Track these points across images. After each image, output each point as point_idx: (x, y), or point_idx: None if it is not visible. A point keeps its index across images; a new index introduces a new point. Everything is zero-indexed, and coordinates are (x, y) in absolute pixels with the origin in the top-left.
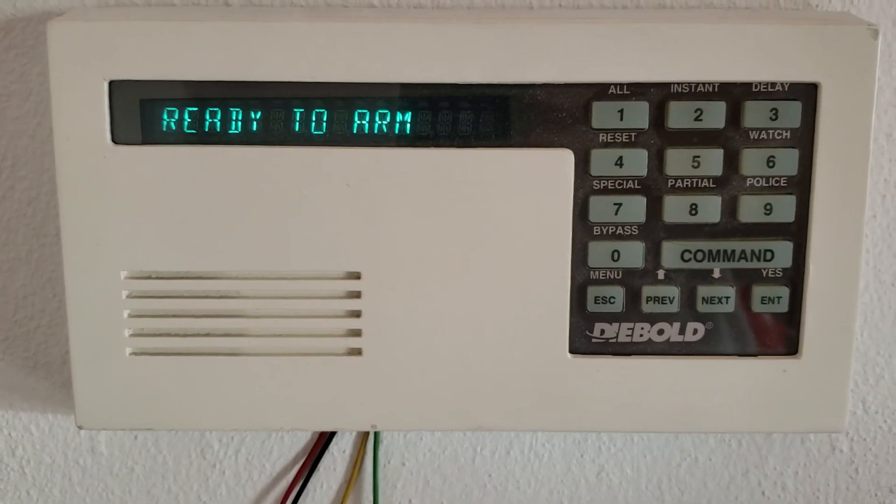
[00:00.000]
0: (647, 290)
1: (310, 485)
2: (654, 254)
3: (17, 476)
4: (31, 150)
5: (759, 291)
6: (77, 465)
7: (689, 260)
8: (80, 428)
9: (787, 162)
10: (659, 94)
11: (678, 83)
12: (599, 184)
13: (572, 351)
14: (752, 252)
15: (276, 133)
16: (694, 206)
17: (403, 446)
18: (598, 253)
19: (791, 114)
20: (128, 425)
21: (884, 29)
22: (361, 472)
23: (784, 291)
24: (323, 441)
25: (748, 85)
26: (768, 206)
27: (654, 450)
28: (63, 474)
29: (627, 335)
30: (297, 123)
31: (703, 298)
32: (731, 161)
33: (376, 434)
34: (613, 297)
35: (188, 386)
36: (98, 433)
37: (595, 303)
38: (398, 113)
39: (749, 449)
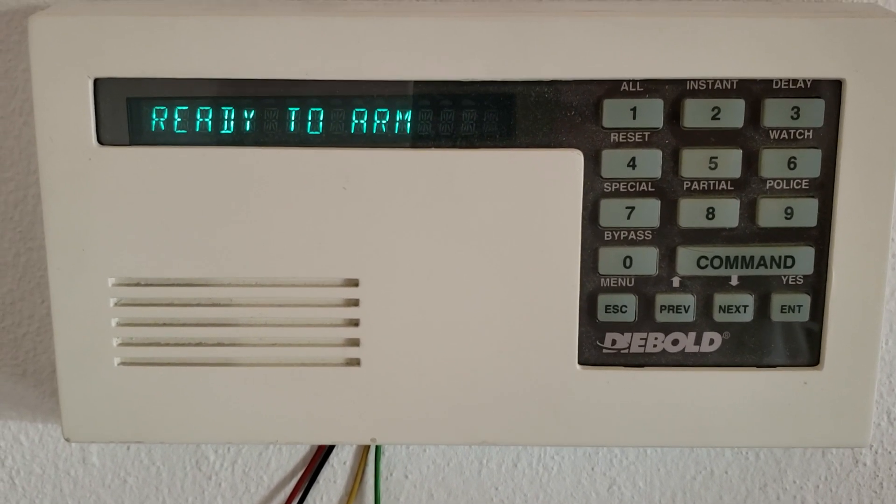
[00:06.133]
0: (661, 299)
1: (309, 497)
2: (668, 260)
3: (7, 487)
4: (16, 150)
5: (778, 300)
6: (68, 477)
7: (706, 266)
8: (67, 440)
9: (810, 163)
10: (674, 92)
11: (694, 80)
12: (611, 186)
13: (582, 362)
14: (772, 258)
15: (270, 133)
16: (711, 210)
17: (406, 458)
18: (610, 259)
19: (813, 112)
20: (117, 438)
21: None
22: (363, 484)
23: (805, 300)
24: (322, 452)
25: (768, 82)
26: (789, 210)
27: (668, 462)
28: (54, 485)
29: (640, 346)
30: (293, 123)
31: (720, 307)
32: (750, 162)
33: (378, 446)
34: (625, 306)
35: (179, 397)
36: (89, 444)
37: (606, 312)
38: (398, 112)
39: (767, 462)
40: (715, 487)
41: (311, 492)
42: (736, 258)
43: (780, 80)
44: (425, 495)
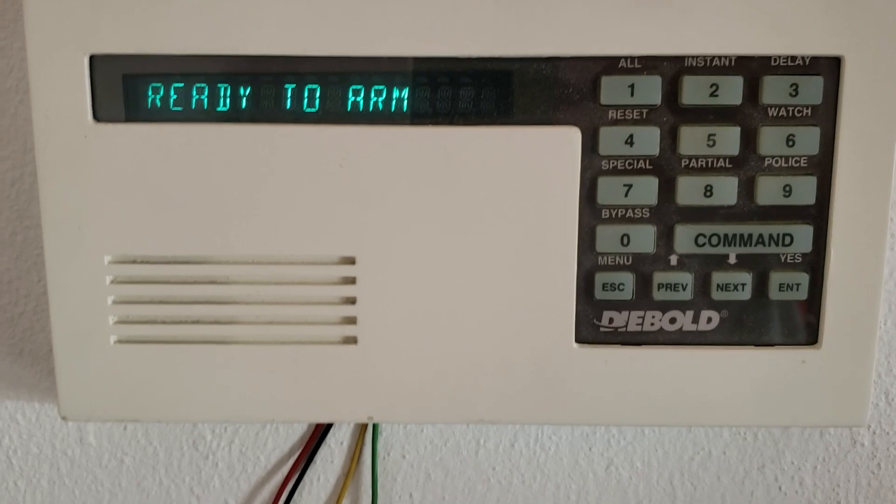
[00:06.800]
0: (659, 277)
1: (306, 477)
2: (666, 238)
3: (4, 466)
4: (13, 128)
5: (777, 278)
6: (65, 456)
7: (704, 245)
8: (64, 419)
9: (808, 141)
10: (672, 68)
11: (692, 56)
12: (608, 164)
13: (579, 340)
14: (770, 236)
15: (266, 110)
16: (709, 188)
17: (404, 438)
18: (607, 237)
19: (812, 89)
20: (114, 416)
21: None
22: (360, 464)
23: (803, 278)
24: (320, 432)
25: (767, 59)
26: (787, 188)
27: (666, 443)
28: (51, 465)
29: (637, 324)
30: (289, 100)
31: (718, 285)
32: (749, 140)
33: (375, 425)
34: (623, 284)
35: (175, 376)
36: (86, 423)
37: (603, 290)
38: (395, 89)
39: (765, 442)
40: (713, 468)
41: (308, 472)
42: (734, 236)
43: (779, 56)
44: (422, 475)
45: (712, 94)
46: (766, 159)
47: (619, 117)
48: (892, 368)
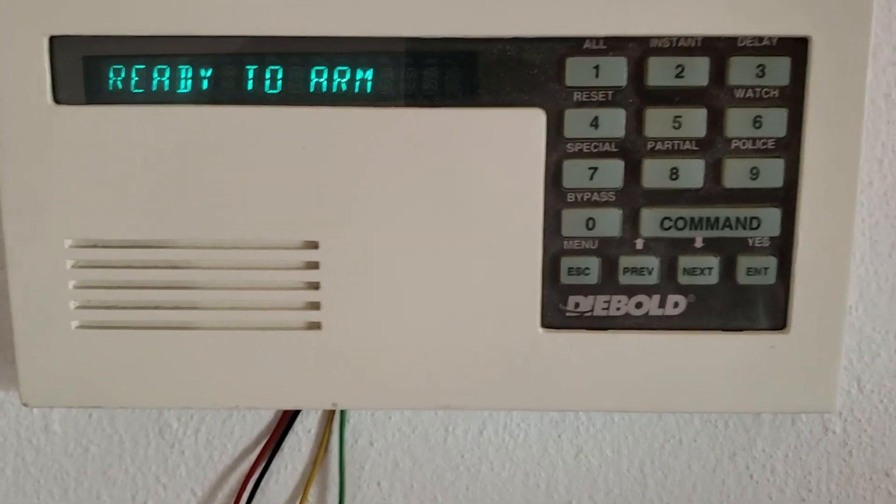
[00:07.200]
0: (625, 261)
1: (273, 465)
2: (631, 222)
3: None
4: None
5: (744, 262)
6: (30, 445)
7: (670, 228)
8: (25, 405)
9: (776, 122)
10: (638, 50)
11: (658, 37)
12: (573, 146)
13: (545, 325)
14: (738, 220)
15: (227, 92)
16: (675, 171)
17: (371, 425)
18: (572, 221)
19: (779, 71)
20: (76, 402)
21: None
22: (327, 452)
23: (771, 262)
24: (286, 420)
25: (733, 39)
26: (755, 171)
27: (636, 430)
28: (15, 453)
29: (603, 308)
30: (251, 81)
31: (685, 269)
32: (715, 121)
33: (342, 413)
34: (588, 269)
35: (138, 361)
36: (51, 411)
37: (569, 274)
38: (358, 70)
39: (736, 430)
40: (683, 456)
41: (275, 459)
42: (700, 219)
43: (746, 37)
44: (391, 463)
45: (678, 76)
46: (733, 141)
47: (584, 99)
48: (864, 355)
